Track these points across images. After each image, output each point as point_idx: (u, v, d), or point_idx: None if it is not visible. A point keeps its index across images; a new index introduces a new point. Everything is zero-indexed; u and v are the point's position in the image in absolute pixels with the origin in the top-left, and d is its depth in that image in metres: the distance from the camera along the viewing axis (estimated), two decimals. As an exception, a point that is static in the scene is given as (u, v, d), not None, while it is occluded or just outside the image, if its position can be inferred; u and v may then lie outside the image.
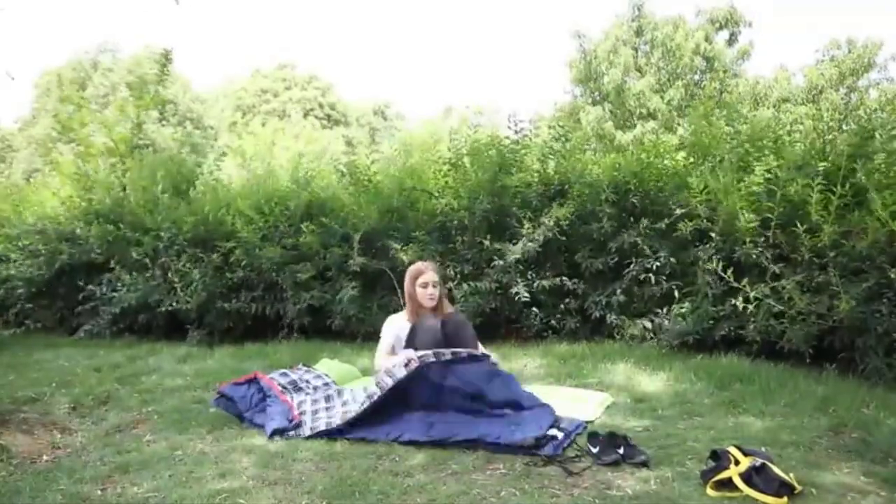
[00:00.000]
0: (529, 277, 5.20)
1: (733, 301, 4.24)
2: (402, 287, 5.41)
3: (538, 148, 5.74)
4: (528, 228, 5.21)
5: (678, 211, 4.90)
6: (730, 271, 4.23)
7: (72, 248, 6.20)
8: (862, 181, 3.90)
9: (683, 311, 4.65)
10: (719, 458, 2.53)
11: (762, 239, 4.35)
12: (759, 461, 2.43)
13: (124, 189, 6.43)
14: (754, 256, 4.31)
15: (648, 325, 4.95)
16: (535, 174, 5.54)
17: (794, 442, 2.89)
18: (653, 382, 3.94)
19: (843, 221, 3.99)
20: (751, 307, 4.16)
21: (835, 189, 3.92)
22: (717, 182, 4.50)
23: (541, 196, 5.46)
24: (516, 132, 5.74)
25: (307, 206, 5.82)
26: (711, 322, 4.49)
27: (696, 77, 17.49)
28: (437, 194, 5.62)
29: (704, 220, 4.65)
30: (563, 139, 5.81)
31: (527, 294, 5.03)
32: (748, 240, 4.36)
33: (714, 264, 4.35)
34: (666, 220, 4.98)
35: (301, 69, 35.19)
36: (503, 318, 5.39)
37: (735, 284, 4.21)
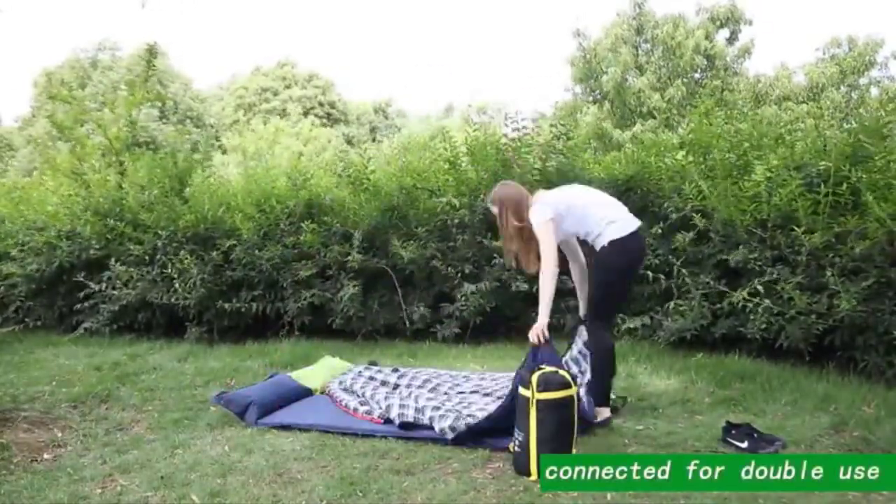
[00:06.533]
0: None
1: (732, 299, 4.23)
2: (401, 286, 5.44)
3: (540, 147, 5.72)
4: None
5: (678, 209, 4.89)
6: (728, 270, 4.21)
7: (70, 245, 6.18)
8: (862, 180, 3.89)
9: (682, 308, 4.64)
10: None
11: (761, 238, 4.34)
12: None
13: (121, 186, 6.41)
14: (753, 256, 4.30)
15: (648, 321, 4.94)
16: (537, 172, 5.52)
17: (796, 440, 2.89)
18: (653, 381, 3.94)
19: (841, 221, 3.98)
20: (750, 305, 4.15)
21: (838, 190, 3.91)
22: (717, 181, 4.48)
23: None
24: (516, 130, 5.72)
25: (307, 204, 5.81)
26: (711, 319, 4.48)
27: (697, 75, 17.45)
28: (437, 192, 5.61)
29: (704, 219, 4.64)
30: (564, 137, 5.79)
31: (525, 284, 5.01)
32: (747, 239, 4.35)
33: (712, 262, 4.32)
34: (665, 219, 4.97)
35: (301, 67, 35.11)
36: (503, 317, 5.38)
37: (725, 290, 4.19)
